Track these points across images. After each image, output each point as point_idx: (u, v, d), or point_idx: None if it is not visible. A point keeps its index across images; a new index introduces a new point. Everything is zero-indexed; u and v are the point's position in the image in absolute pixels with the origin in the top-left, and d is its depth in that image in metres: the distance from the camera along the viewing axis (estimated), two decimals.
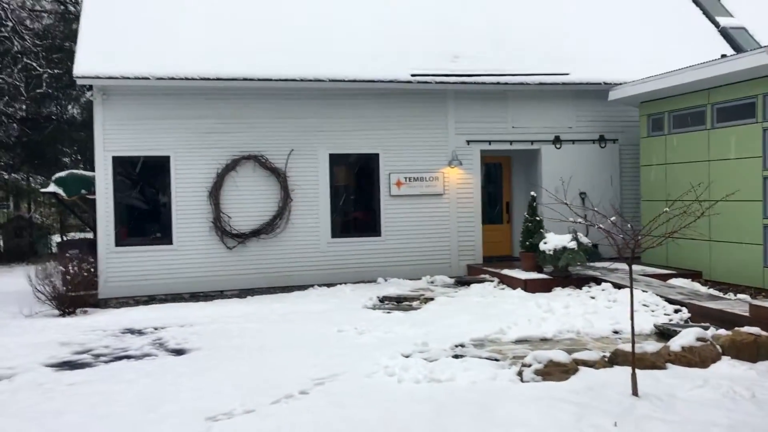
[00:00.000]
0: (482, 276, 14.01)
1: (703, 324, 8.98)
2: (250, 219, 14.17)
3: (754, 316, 8.06)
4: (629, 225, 6.68)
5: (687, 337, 7.49)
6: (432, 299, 12.01)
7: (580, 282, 12.54)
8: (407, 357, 7.98)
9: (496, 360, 7.84)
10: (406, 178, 14.90)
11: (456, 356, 8.05)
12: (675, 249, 13.52)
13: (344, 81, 14.06)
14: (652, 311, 10.09)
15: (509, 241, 16.66)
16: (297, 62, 14.13)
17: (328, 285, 14.10)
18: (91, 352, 9.01)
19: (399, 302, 12.19)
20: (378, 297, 12.45)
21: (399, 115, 14.89)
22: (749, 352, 7.44)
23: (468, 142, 15.20)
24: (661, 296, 10.62)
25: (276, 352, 8.52)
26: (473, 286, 13.16)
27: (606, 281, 12.11)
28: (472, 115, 15.21)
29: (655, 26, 17.09)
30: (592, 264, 13.09)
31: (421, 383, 6.86)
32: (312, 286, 14.05)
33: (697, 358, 7.30)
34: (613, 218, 6.56)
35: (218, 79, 13.49)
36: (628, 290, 11.12)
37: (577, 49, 15.96)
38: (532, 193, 13.60)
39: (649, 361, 7.18)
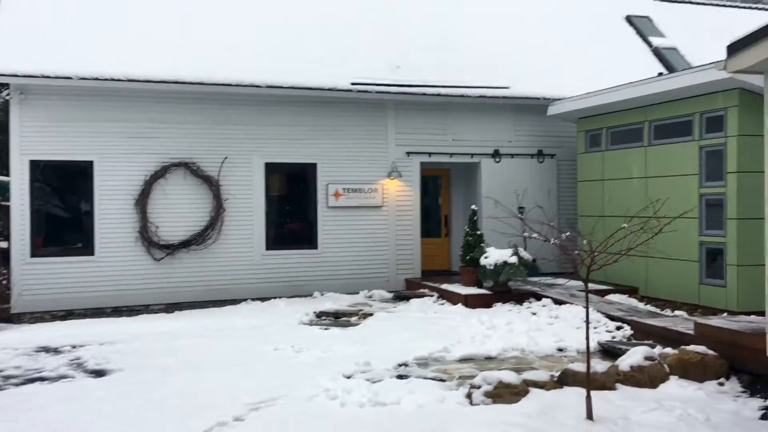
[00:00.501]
0: (421, 291, 13.71)
1: (647, 342, 8.89)
2: (179, 229, 13.47)
3: (699, 335, 8.00)
4: (585, 241, 6.42)
5: (635, 357, 7.34)
6: (371, 315, 11.62)
7: (520, 297, 12.38)
8: (349, 378, 7.55)
9: (442, 380, 7.50)
10: (344, 189, 14.49)
11: (400, 376, 7.67)
12: (613, 265, 13.54)
13: (282, 87, 13.58)
14: (595, 328, 9.97)
15: (447, 255, 16.45)
16: (233, 66, 13.57)
17: (262, 299, 13.52)
18: (1, 373, 8.20)
19: (337, 318, 11.74)
20: (315, 312, 11.97)
21: (338, 124, 14.50)
22: (696, 371, 7.34)
23: (408, 153, 14.93)
24: (602, 313, 10.53)
25: (207, 373, 7.94)
26: (413, 301, 12.84)
27: (546, 297, 11.99)
28: (412, 127, 14.96)
29: (591, 44, 17.29)
30: (531, 279, 12.97)
31: (365, 407, 6.44)
32: (245, 300, 13.44)
33: (646, 378, 7.15)
34: (566, 234, 6.30)
35: (147, 81, 12.79)
36: (569, 306, 11.08)
37: (518, 64, 15.95)
38: (473, 206, 13.43)
39: (600, 381, 6.98)
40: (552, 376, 7.22)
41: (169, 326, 10.92)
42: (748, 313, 10.71)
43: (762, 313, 10.77)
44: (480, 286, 12.90)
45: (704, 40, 18.05)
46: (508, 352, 8.82)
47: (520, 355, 8.75)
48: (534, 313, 11.15)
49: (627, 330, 9.63)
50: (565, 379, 7.08)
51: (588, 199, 14.42)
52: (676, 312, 11.23)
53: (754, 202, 10.91)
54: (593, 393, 6.75)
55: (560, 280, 13.93)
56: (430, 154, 15.05)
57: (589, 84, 14.90)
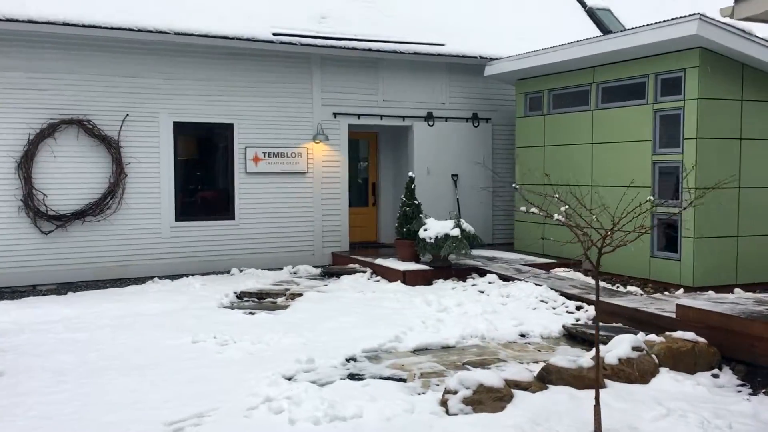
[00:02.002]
0: (352, 266, 12.48)
1: (617, 325, 8.05)
2: (72, 198, 11.60)
3: (681, 318, 7.19)
4: (594, 217, 5.33)
5: (622, 347, 6.42)
6: (300, 294, 10.30)
7: (462, 273, 11.38)
8: (291, 380, 6.27)
9: (403, 380, 6.34)
10: (264, 153, 12.97)
11: (352, 376, 6.45)
12: (552, 235, 12.78)
13: (194, 35, 11.82)
14: (553, 308, 9.09)
15: (375, 226, 15.27)
16: (136, 9, 11.68)
17: (172, 277, 11.92)
18: None
19: (261, 299, 10.35)
20: (235, 292, 10.53)
21: (258, 80, 12.90)
22: (687, 362, 6.51)
23: (335, 114, 13.53)
24: (556, 290, 9.67)
25: (110, 378, 6.44)
26: (344, 278, 11.60)
27: (491, 272, 11.04)
28: (340, 85, 13.56)
29: (524, 2, 16.33)
30: (470, 252, 11.99)
31: (321, 424, 5.17)
32: (152, 278, 11.79)
33: (636, 372, 6.25)
34: (566, 207, 5.20)
35: (30, 21, 10.75)
36: (518, 283, 10.15)
37: (452, 21, 14.80)
38: (411, 173, 12.25)
39: (588, 379, 6.00)
40: (529, 371, 6.19)
41: (62, 313, 9.21)
42: (705, 289, 10.15)
43: (725, 290, 10.28)
44: (418, 261, 11.80)
45: (635, 2, 17.54)
46: (467, 340, 7.75)
47: (480, 343, 7.71)
48: (482, 292, 10.16)
49: (590, 310, 8.77)
50: (548, 376, 6.07)
51: (528, 167, 13.52)
52: (629, 288, 10.52)
53: (714, 170, 10.28)
54: (582, 393, 5.80)
55: (499, 253, 13.05)
56: (359, 115, 13.71)
57: (526, 44, 13.97)
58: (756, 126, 10.53)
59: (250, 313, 9.30)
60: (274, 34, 12.46)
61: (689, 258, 10.30)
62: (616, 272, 11.51)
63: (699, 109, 10.12)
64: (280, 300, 10.21)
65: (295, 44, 12.57)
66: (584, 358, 6.25)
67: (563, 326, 8.11)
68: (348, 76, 13.58)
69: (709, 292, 9.89)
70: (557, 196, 5.84)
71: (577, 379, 5.98)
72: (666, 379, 6.22)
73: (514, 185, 6.57)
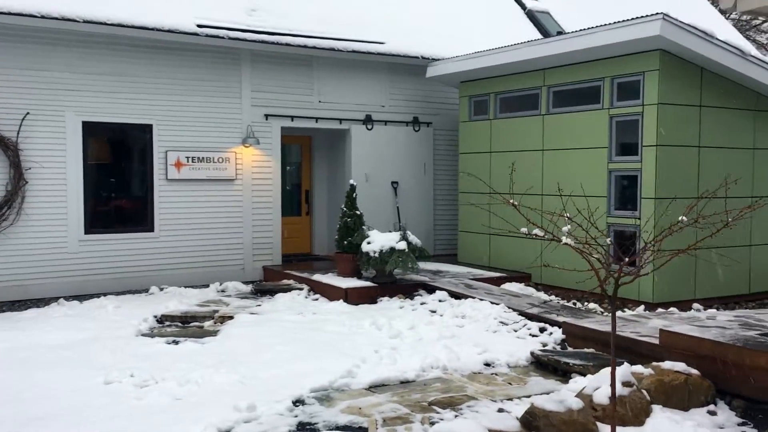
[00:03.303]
0: (286, 282, 11.38)
1: (589, 351, 7.31)
2: None
3: (666, 345, 6.49)
4: (608, 240, 4.49)
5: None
6: (230, 317, 9.14)
7: (408, 289, 10.49)
8: None
9: (363, 431, 5.35)
10: (188, 158, 11.70)
11: (303, 427, 5.41)
12: (499, 247, 12.10)
13: (106, 24, 10.47)
14: (515, 330, 8.29)
15: (309, 237, 14.21)
16: None
17: (81, 298, 10.51)
18: None
19: (186, 323, 9.14)
20: (155, 316, 9.28)
21: (181, 77, 11.63)
22: (679, 397, 5.81)
23: (266, 116, 12.40)
24: (514, 309, 8.90)
25: None
26: (279, 296, 10.49)
27: (440, 288, 10.21)
28: (272, 84, 12.44)
29: (463, 3, 15.64)
30: (417, 267, 11.10)
31: None
32: (57, 300, 10.33)
33: (629, 412, 5.47)
34: (566, 228, 4.35)
35: None
36: (471, 302, 9.35)
37: (394, 19, 13.92)
38: (352, 181, 11.24)
39: (579, 424, 5.19)
40: (515, 418, 5.32)
41: None
42: (664, 305, 9.62)
43: (684, 305, 9.74)
44: (360, 277, 10.83)
45: (574, 6, 17.17)
46: (428, 372, 6.83)
47: (443, 375, 6.80)
48: (433, 311, 9.28)
49: (556, 332, 8.02)
50: (535, 422, 5.20)
51: (471, 174, 12.77)
52: (588, 305, 9.88)
53: (675, 180, 9.79)
54: None
55: (444, 266, 12.24)
56: (292, 117, 12.63)
57: (469, 45, 13.25)
58: (714, 133, 10.10)
59: (174, 341, 8.09)
60: (199, 26, 11.24)
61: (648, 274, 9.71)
62: (568, 287, 10.86)
63: (659, 115, 9.58)
64: (207, 324, 9.03)
65: (222, 38, 11.38)
66: (572, 398, 5.43)
67: (531, 353, 7.30)
68: (281, 74, 12.49)
69: (672, 309, 9.36)
70: (513, 202, 5.04)
71: (567, 425, 5.15)
72: (662, 419, 5.48)
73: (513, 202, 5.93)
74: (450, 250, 13.90)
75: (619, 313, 9.17)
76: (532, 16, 16.47)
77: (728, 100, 10.20)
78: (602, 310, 9.56)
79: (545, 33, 15.72)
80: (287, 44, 11.93)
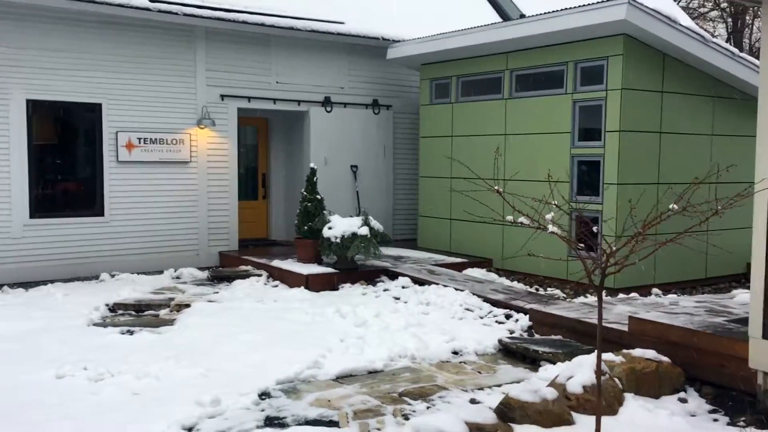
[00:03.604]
0: (244, 268, 11.06)
1: (557, 338, 7.26)
2: None
3: (635, 332, 6.47)
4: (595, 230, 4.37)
5: (585, 372, 5.57)
6: (187, 305, 8.82)
7: (370, 275, 10.32)
8: (192, 431, 4.93)
9: (335, 424, 5.16)
10: (140, 139, 11.23)
11: (271, 422, 5.19)
12: (461, 233, 12.01)
13: None
14: (481, 318, 8.20)
15: (266, 222, 13.88)
16: None
17: (27, 285, 10.01)
18: None
19: (140, 312, 8.78)
20: (107, 304, 8.89)
21: (132, 54, 11.13)
22: (651, 384, 5.78)
23: (222, 97, 11.99)
24: (478, 296, 8.80)
25: None
26: (237, 282, 10.19)
27: (402, 274, 10.05)
28: (228, 64, 12.02)
29: None
30: (380, 253, 10.92)
31: None
32: (0, 288, 9.82)
33: (603, 401, 5.40)
34: (550, 216, 4.22)
35: None
36: (436, 288, 9.22)
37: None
38: (312, 164, 10.97)
39: (555, 414, 5.10)
40: (489, 408, 5.20)
41: None
42: (625, 290, 9.67)
43: (643, 290, 9.81)
44: (320, 263, 10.60)
45: None
46: (396, 362, 6.67)
47: (411, 365, 6.65)
48: (397, 298, 9.13)
49: (522, 319, 7.94)
50: (510, 413, 5.10)
51: (432, 158, 12.64)
52: (549, 290, 9.87)
53: (638, 165, 9.82)
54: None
55: (405, 251, 12.09)
56: (249, 98, 12.24)
57: (430, 27, 13.03)
58: (675, 119, 10.15)
59: (129, 332, 7.74)
60: (151, 1, 10.75)
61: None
62: (529, 272, 10.86)
63: (623, 100, 9.56)
64: (163, 313, 8.68)
65: (175, 13, 10.92)
66: (547, 389, 5.33)
67: (499, 341, 7.21)
68: (237, 53, 12.07)
69: (633, 294, 9.41)
70: (497, 188, 4.90)
71: (542, 415, 5.06)
72: (635, 407, 5.44)
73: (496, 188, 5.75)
74: (410, 234, 13.76)
75: (582, 299, 9.18)
76: None
77: (689, 86, 10.25)
78: (564, 295, 9.56)
79: (505, 16, 15.64)
80: (244, 22, 11.53)
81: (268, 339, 7.19)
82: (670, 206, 4.32)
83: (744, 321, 6.34)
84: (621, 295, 9.37)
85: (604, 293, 9.46)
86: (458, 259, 11.40)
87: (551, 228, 4.08)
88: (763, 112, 5.23)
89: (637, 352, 6.04)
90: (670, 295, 9.33)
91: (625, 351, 6.11)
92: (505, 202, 4.73)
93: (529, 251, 5.72)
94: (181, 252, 11.63)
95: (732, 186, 10.70)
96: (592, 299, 9.07)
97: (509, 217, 4.41)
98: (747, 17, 30.67)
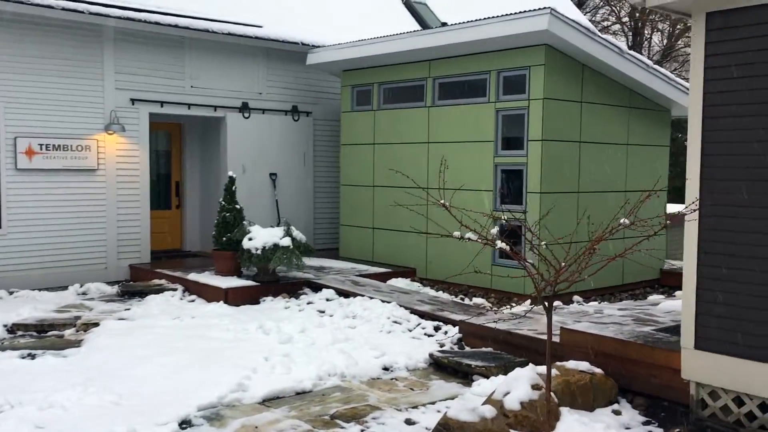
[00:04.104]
0: (157, 282, 10.47)
1: (488, 350, 7.15)
2: None
3: (567, 343, 6.42)
4: (546, 247, 4.22)
5: (521, 387, 5.45)
6: (96, 324, 8.22)
7: (293, 288, 9.97)
8: None
9: None
10: (42, 145, 10.47)
11: None
12: (383, 242, 11.83)
13: None
14: (409, 330, 8.01)
15: (179, 232, 13.27)
16: None
17: None
18: None
19: (43, 333, 8.11)
20: (5, 325, 8.19)
21: (34, 54, 10.37)
22: (585, 397, 5.73)
23: (133, 101, 11.35)
24: (405, 307, 8.61)
25: None
26: (150, 298, 9.62)
27: (326, 286, 9.75)
28: (139, 66, 11.40)
29: None
30: (303, 264, 10.56)
31: None
32: None
33: (540, 416, 5.30)
34: (495, 230, 4.05)
35: None
36: (361, 300, 9.00)
37: (272, 2, 13.21)
38: (231, 173, 10.51)
39: None
40: (427, 429, 5.00)
41: None
42: (554, 300, 9.67)
43: (564, 298, 9.84)
44: (240, 275, 10.16)
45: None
46: (326, 380, 6.37)
47: (342, 384, 6.37)
48: (322, 312, 8.83)
49: (451, 331, 7.81)
50: None
51: (354, 166, 12.41)
52: (474, 300, 9.80)
53: (559, 174, 9.91)
54: None
55: (327, 262, 11.79)
56: (162, 103, 11.65)
57: (350, 33, 12.85)
58: (593, 129, 10.32)
59: (30, 355, 7.11)
60: None
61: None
62: (454, 281, 10.78)
63: (544, 110, 9.63)
64: (69, 333, 8.06)
65: (81, 12, 10.24)
66: (485, 406, 5.17)
67: (430, 355, 7.04)
68: (149, 55, 11.46)
69: (556, 302, 9.44)
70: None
71: None
72: (571, 422, 5.35)
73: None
74: (331, 244, 13.47)
75: (508, 309, 9.15)
76: (410, 6, 16.30)
77: (605, 97, 10.45)
78: (490, 305, 9.51)
79: (423, 24, 15.61)
80: (156, 23, 10.95)
81: (188, 360, 6.74)
82: (621, 220, 4.24)
83: (671, 330, 6.42)
84: (555, 305, 9.39)
85: (528, 302, 9.54)
86: (382, 269, 11.20)
87: (500, 244, 3.92)
88: (692, 126, 5.27)
89: (571, 364, 5.99)
90: (592, 303, 9.44)
91: (558, 363, 6.04)
92: (452, 216, 4.51)
93: (475, 268, 5.53)
94: (87, 266, 10.90)
95: (640, 195, 11.12)
96: (519, 309, 9.05)
97: (456, 233, 4.21)
98: (645, 31, 32.14)
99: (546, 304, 4.60)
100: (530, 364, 6.05)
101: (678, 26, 34.64)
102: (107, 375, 6.32)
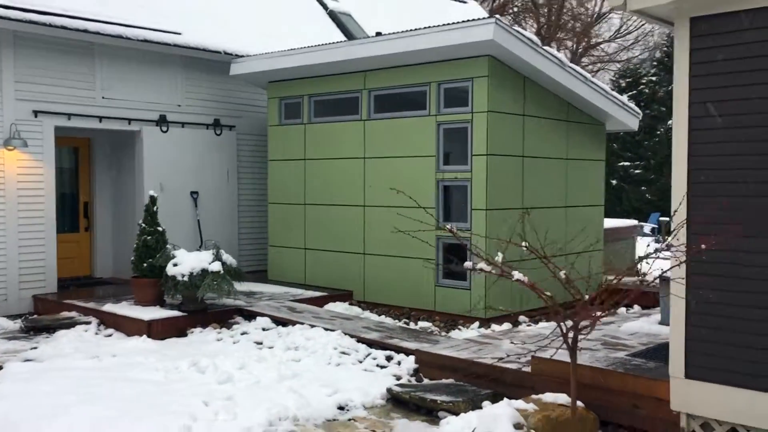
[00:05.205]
0: (67, 315, 9.37)
1: (451, 382, 6.60)
2: None
3: (538, 373, 5.95)
4: (562, 273, 3.68)
5: (503, 427, 4.92)
6: None
7: (223, 316, 9.14)
8: None
9: None
10: None
11: None
12: (316, 264, 11.14)
13: None
14: (360, 361, 7.36)
15: (89, 257, 12.10)
16: None
17: None
18: None
19: None
20: None
21: None
22: None
23: (36, 113, 10.23)
24: (351, 335, 7.96)
25: None
26: (61, 333, 8.55)
27: (260, 314, 8.98)
28: (43, 75, 10.29)
29: (267, 0, 14.51)
30: (234, 290, 9.70)
31: None
32: None
33: None
34: (500, 257, 3.49)
35: None
36: (300, 328, 8.32)
37: (192, 8, 12.35)
38: (152, 192, 9.54)
39: None
40: None
41: None
42: (497, 321, 9.29)
43: (511, 319, 9.41)
44: (162, 304, 9.22)
45: (372, 11, 16.82)
46: (277, 426, 5.63)
47: (295, 429, 5.64)
48: (260, 343, 8.05)
49: (406, 361, 7.21)
50: None
51: (283, 183, 11.68)
52: (420, 324, 9.26)
53: (506, 190, 9.54)
54: None
55: (256, 286, 10.97)
56: (69, 115, 10.55)
57: (276, 43, 12.18)
58: (534, 143, 10.04)
59: None
60: None
61: (480, 287, 9.33)
62: (393, 303, 10.23)
63: (489, 123, 9.25)
64: None
65: None
66: None
67: (388, 390, 6.41)
68: (55, 63, 10.37)
69: (505, 324, 9.06)
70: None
71: None
72: None
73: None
74: (258, 266, 12.63)
75: (458, 333, 8.66)
76: (334, 16, 15.75)
77: (545, 110, 10.21)
78: (437, 329, 8.99)
79: (349, 35, 15.10)
80: (63, 27, 9.91)
81: (113, 409, 5.83)
82: (561, 273, 3.77)
83: (644, 354, 6.08)
84: (494, 326, 8.98)
85: (476, 324, 9.08)
86: (317, 293, 10.51)
87: (517, 275, 3.37)
88: (678, 139, 4.92)
89: (548, 397, 5.52)
90: (542, 324, 9.09)
91: (534, 397, 5.57)
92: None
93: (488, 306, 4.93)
94: None
95: (579, 210, 10.96)
96: (470, 333, 8.58)
97: (467, 264, 3.64)
98: (552, 45, 32.95)
99: (569, 343, 4.03)
100: (506, 399, 5.55)
101: (581, 44, 35.82)
102: (12, 426, 5.34)
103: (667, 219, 29.40)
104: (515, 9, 34.55)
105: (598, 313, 3.71)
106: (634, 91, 29.36)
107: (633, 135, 30.47)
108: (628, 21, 35.99)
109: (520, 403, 5.47)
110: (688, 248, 4.74)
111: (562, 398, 5.50)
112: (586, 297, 3.87)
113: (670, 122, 32.01)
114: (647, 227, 24.16)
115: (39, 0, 9.98)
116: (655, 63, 35.50)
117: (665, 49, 34.25)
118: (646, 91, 31.65)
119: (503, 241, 4.09)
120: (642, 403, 5.35)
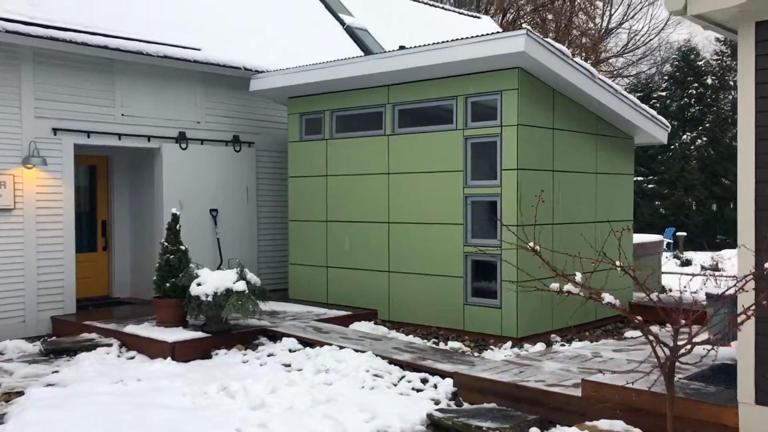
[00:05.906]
0: (88, 336, 9.12)
1: (491, 406, 6.30)
2: None
3: (590, 398, 5.65)
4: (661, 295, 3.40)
5: None
6: (20, 393, 6.91)
7: (248, 337, 8.88)
8: None
9: None
10: None
11: None
12: (339, 282, 10.89)
13: None
14: (394, 385, 7.07)
15: (107, 277, 11.87)
16: None
17: None
18: None
19: None
20: None
21: None
22: None
23: (55, 131, 10.05)
24: (383, 357, 7.68)
25: None
26: (82, 356, 8.29)
27: (286, 335, 8.72)
28: (62, 92, 10.13)
29: (285, 16, 14.36)
30: (260, 310, 9.42)
31: None
32: None
33: None
34: (579, 276, 3.23)
35: None
36: (329, 350, 8.04)
37: (212, 23, 12.22)
38: (174, 210, 9.31)
39: None
40: None
41: None
42: (529, 339, 9.01)
43: (544, 338, 9.10)
44: (186, 326, 8.96)
45: (386, 26, 16.70)
46: None
47: None
48: (288, 365, 7.77)
49: (442, 384, 6.91)
50: None
51: (304, 200, 11.45)
52: (451, 344, 8.96)
53: (534, 205, 9.25)
54: None
55: (279, 305, 10.70)
56: (89, 133, 10.37)
57: (295, 58, 12.01)
58: (564, 157, 9.79)
59: None
60: None
61: (512, 305, 9.06)
62: (420, 323, 9.94)
63: (519, 137, 9.01)
64: None
65: None
66: None
67: (428, 416, 6.11)
68: (74, 80, 10.21)
69: (539, 343, 8.77)
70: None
71: None
72: None
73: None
74: (279, 284, 12.36)
75: (492, 353, 8.36)
76: (351, 32, 15.61)
77: (575, 124, 9.98)
78: (468, 349, 8.70)
79: (366, 49, 14.95)
80: (83, 43, 9.75)
81: None
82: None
83: (700, 377, 5.78)
84: (528, 346, 8.70)
85: (509, 344, 8.78)
86: (341, 312, 10.24)
87: (607, 298, 3.11)
88: (743, 150, 4.67)
89: (604, 424, 5.23)
90: (580, 343, 8.80)
91: (589, 423, 5.28)
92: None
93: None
94: (2, 320, 9.42)
95: (609, 225, 10.67)
96: (503, 353, 8.29)
97: (554, 285, 3.38)
98: None
99: (666, 371, 3.73)
100: (558, 426, 5.25)
101: (590, 59, 35.66)
102: None
103: (684, 234, 28.89)
104: (522, 23, 34.48)
105: (697, 338, 3.39)
106: (647, 105, 29.23)
107: (646, 149, 30.28)
108: (635, 37, 35.95)
109: (574, 431, 5.18)
110: (757, 265, 4.46)
111: (619, 425, 5.20)
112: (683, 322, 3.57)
113: (684, 136, 31.77)
114: (663, 242, 23.84)
115: (59, 16, 9.85)
116: (666, 77, 35.28)
117: (676, 63, 34.08)
118: (658, 105, 31.44)
119: (538, 257, 3.83)
120: (706, 430, 5.05)
